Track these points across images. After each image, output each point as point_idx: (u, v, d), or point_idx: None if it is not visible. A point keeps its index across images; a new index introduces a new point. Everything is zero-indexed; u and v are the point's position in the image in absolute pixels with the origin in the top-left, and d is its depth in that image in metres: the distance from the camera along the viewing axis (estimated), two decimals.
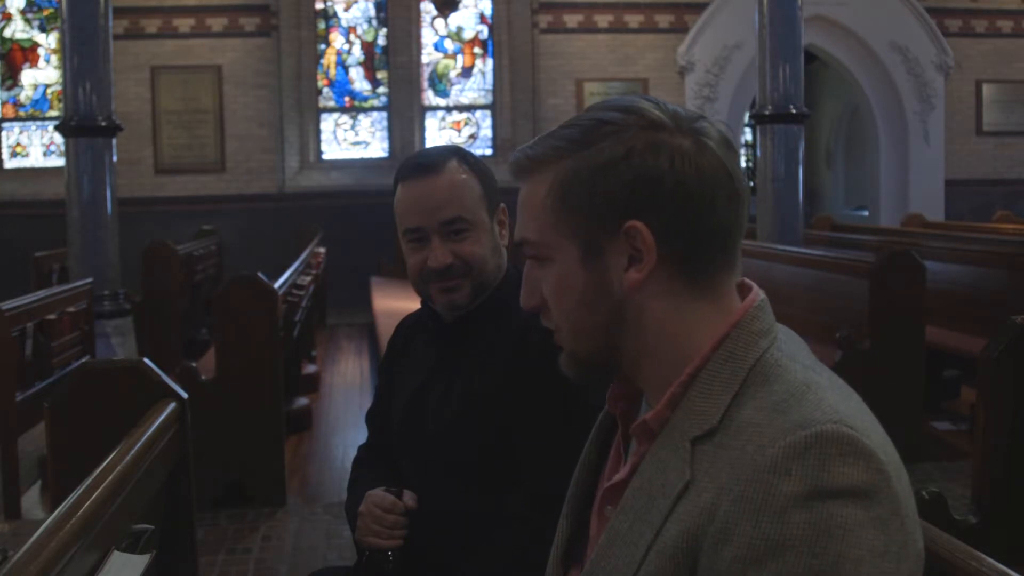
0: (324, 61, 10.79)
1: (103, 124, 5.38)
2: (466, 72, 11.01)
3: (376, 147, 10.87)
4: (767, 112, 6.53)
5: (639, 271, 0.94)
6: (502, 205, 1.68)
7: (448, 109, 11.00)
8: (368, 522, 1.58)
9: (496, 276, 1.65)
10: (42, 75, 10.39)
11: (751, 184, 11.88)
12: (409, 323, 1.83)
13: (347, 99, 10.85)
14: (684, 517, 0.85)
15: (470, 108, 11.01)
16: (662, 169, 0.92)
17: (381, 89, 10.89)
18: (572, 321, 0.98)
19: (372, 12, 10.88)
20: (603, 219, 0.94)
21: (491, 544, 1.52)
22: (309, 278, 6.11)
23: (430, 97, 10.96)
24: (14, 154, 10.34)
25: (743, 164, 12.95)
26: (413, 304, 1.82)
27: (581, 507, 1.10)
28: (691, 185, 0.92)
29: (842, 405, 0.85)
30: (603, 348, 0.98)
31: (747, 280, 1.01)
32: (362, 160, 10.78)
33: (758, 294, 0.98)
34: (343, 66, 10.85)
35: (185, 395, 1.76)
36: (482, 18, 10.97)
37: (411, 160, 1.67)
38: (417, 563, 1.59)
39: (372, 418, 1.85)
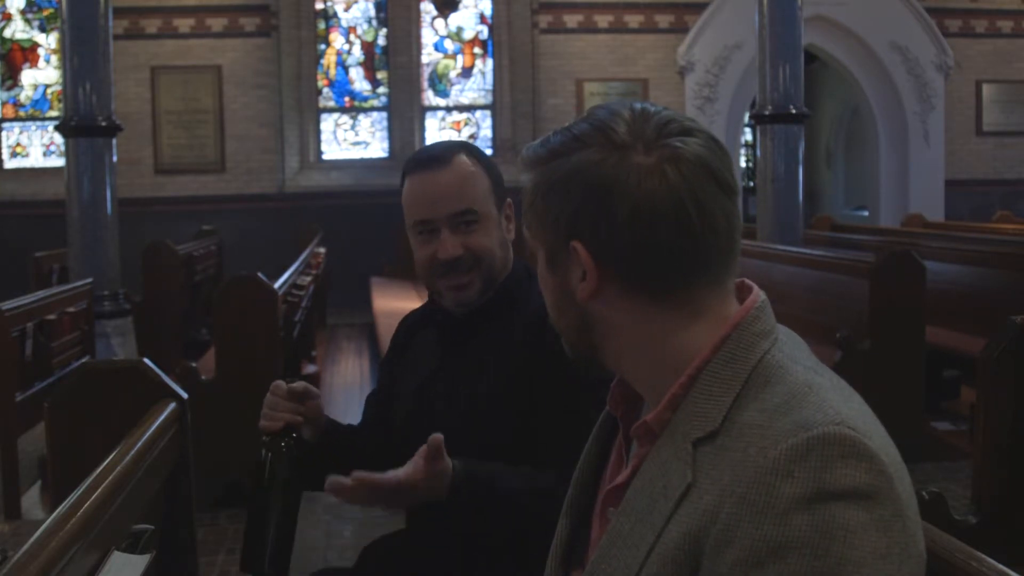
0: (324, 61, 10.79)
1: (103, 124, 5.38)
2: (466, 72, 11.01)
3: (376, 147, 10.88)
4: (767, 112, 6.53)
5: (585, 288, 0.96)
6: (508, 200, 1.68)
7: (448, 109, 11.00)
8: (263, 409, 1.57)
9: (503, 270, 1.65)
10: (42, 75, 10.39)
11: (751, 184, 11.91)
12: (412, 319, 1.83)
13: (347, 99, 10.85)
14: (686, 519, 0.85)
15: (470, 108, 11.02)
16: (606, 192, 0.92)
17: (381, 89, 10.89)
18: (553, 316, 1.04)
19: (372, 12, 10.88)
20: (555, 234, 0.97)
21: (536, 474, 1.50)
22: (309, 278, 6.11)
23: (430, 97, 10.97)
24: (14, 154, 10.34)
25: (743, 165, 13.04)
26: (413, 304, 1.82)
27: (582, 509, 1.10)
28: (632, 209, 0.91)
29: (844, 407, 0.85)
30: (582, 344, 1.01)
31: (747, 281, 1.00)
32: (362, 160, 10.78)
33: (758, 295, 0.97)
34: (343, 66, 10.86)
35: (185, 395, 1.75)
36: (482, 18, 10.97)
37: (419, 153, 1.68)
38: (426, 556, 1.59)
39: (369, 404, 1.85)
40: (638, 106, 0.97)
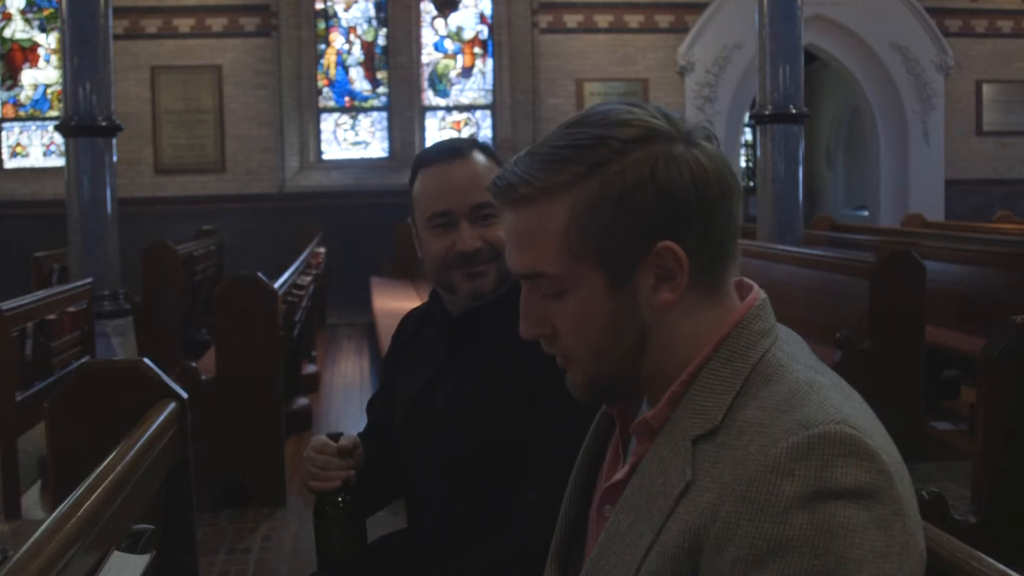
0: (324, 61, 10.80)
1: (103, 124, 5.38)
2: (466, 72, 11.02)
3: (376, 147, 10.88)
4: (767, 112, 6.53)
5: (672, 291, 0.92)
6: None
7: (448, 109, 11.00)
8: (307, 466, 1.58)
9: None
10: (42, 75, 10.39)
11: (751, 184, 11.91)
12: (416, 315, 1.82)
13: (347, 99, 10.86)
14: (686, 517, 0.85)
15: (470, 108, 11.02)
16: (686, 184, 0.90)
17: (381, 89, 10.89)
18: (595, 348, 0.95)
19: (372, 12, 10.88)
20: (633, 243, 0.90)
21: (499, 537, 1.50)
22: (309, 278, 6.12)
23: (430, 97, 10.97)
24: (14, 154, 10.34)
25: (743, 165, 13.05)
26: (413, 304, 1.81)
27: (580, 507, 1.10)
28: (714, 195, 0.91)
29: (845, 406, 0.85)
30: (625, 369, 0.95)
31: (747, 280, 1.00)
32: (362, 160, 10.78)
33: (759, 294, 0.98)
34: (343, 66, 10.86)
35: (185, 395, 1.75)
36: (482, 18, 10.97)
37: (433, 147, 1.67)
38: (417, 559, 1.59)
39: (372, 407, 1.85)
40: (635, 102, 0.96)
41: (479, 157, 1.62)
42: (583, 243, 0.91)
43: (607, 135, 0.91)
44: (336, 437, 1.58)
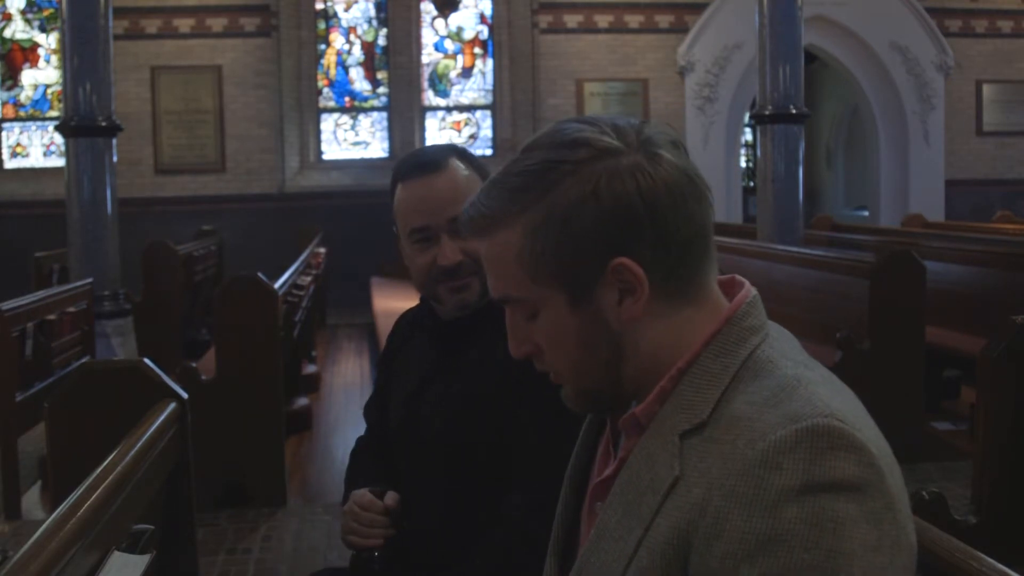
0: (324, 61, 10.80)
1: (103, 124, 5.39)
2: (466, 72, 11.02)
3: (376, 147, 10.88)
4: (767, 112, 6.53)
5: (635, 303, 0.92)
6: None
7: (448, 109, 11.00)
8: (348, 521, 1.58)
9: None
10: (42, 75, 10.39)
11: (751, 184, 11.91)
12: (409, 318, 1.82)
13: (347, 99, 10.86)
14: (674, 512, 0.85)
15: (470, 108, 11.02)
16: (631, 196, 0.90)
17: (381, 89, 10.89)
18: (574, 363, 0.97)
19: (372, 12, 10.88)
20: (585, 262, 0.92)
21: (486, 544, 1.50)
22: (309, 278, 6.12)
23: (430, 97, 10.97)
24: (14, 154, 10.35)
25: (743, 165, 13.05)
26: (412, 303, 1.81)
27: (574, 505, 1.11)
28: (663, 203, 0.91)
29: (833, 400, 0.85)
30: (608, 381, 0.97)
31: (738, 277, 1.01)
32: (362, 160, 10.79)
33: (750, 291, 0.98)
34: (343, 66, 10.86)
35: (185, 395, 1.76)
36: (482, 18, 10.97)
37: (411, 159, 1.64)
38: (411, 562, 1.59)
39: (369, 410, 1.85)
40: (587, 118, 0.96)
41: (457, 165, 1.59)
42: (537, 266, 0.94)
43: (556, 158, 0.93)
44: (379, 493, 1.58)
